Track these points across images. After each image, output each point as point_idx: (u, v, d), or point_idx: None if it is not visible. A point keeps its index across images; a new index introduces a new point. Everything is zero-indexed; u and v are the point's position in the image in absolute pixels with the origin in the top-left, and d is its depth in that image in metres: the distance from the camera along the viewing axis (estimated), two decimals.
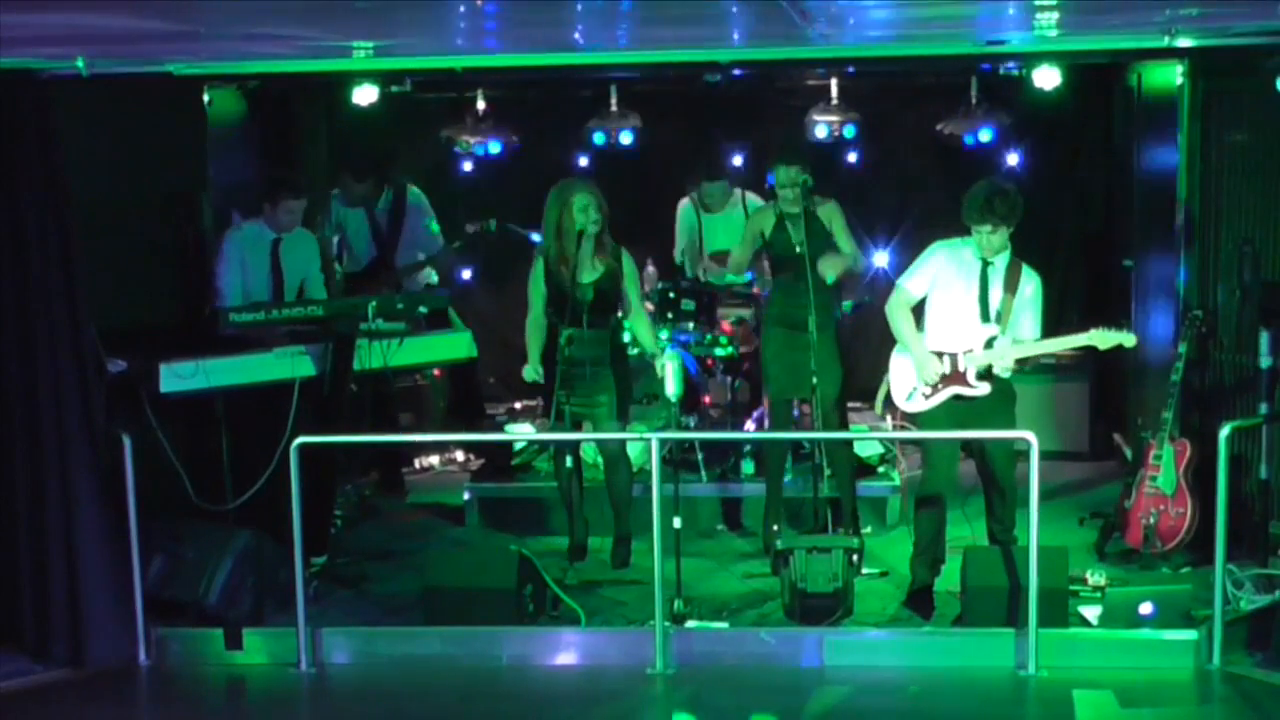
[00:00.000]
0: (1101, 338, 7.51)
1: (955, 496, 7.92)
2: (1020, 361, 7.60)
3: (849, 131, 10.54)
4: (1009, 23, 7.39)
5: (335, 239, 9.69)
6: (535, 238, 9.22)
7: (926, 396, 7.68)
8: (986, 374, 7.58)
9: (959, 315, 7.61)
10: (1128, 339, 7.52)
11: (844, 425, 8.72)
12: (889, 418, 8.95)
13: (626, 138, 10.69)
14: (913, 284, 7.71)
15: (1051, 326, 7.72)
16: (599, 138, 10.67)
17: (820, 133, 10.54)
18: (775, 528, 8.62)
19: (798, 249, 8.26)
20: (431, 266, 10.01)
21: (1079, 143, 11.11)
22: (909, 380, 7.74)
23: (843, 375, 8.50)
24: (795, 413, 8.96)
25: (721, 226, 10.00)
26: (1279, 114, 7.80)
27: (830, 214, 8.44)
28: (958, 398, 7.62)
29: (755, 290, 9.61)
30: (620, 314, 8.46)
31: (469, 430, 10.21)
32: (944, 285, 7.64)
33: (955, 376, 7.61)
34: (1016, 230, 7.56)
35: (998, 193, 7.44)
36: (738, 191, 10.03)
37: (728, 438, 9.60)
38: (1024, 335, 7.61)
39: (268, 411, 7.92)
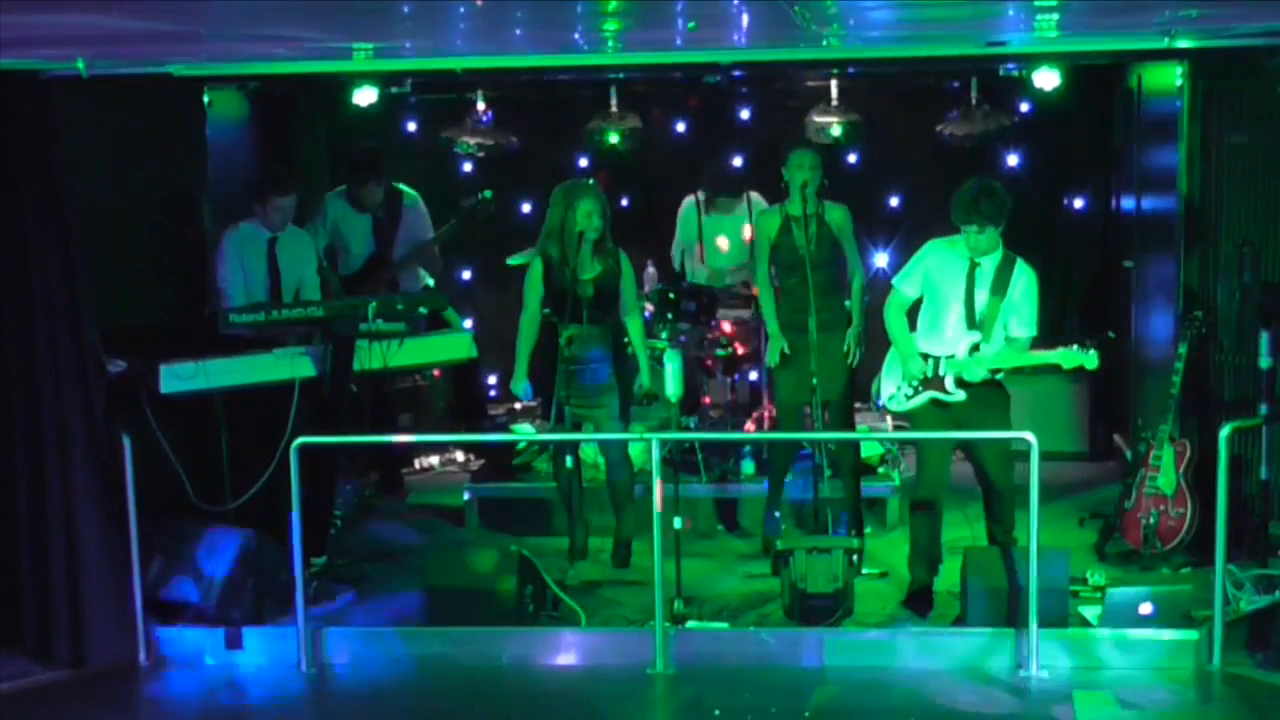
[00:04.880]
0: (1065, 357, 7.44)
1: (950, 497, 7.92)
2: (994, 370, 7.57)
3: (849, 132, 10.53)
4: (1009, 23, 7.39)
5: (325, 244, 9.63)
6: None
7: (908, 397, 7.68)
8: (961, 383, 7.58)
9: (945, 320, 7.61)
10: (1089, 360, 7.40)
11: (850, 428, 8.72)
12: (887, 418, 8.95)
13: (627, 138, 10.67)
14: (907, 285, 7.73)
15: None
16: (599, 138, 10.66)
17: (820, 133, 10.53)
18: (782, 527, 8.63)
19: (801, 251, 8.25)
20: (421, 258, 9.94)
21: (1079, 143, 11.11)
22: (893, 382, 7.75)
23: (850, 379, 8.49)
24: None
25: (728, 227, 10.01)
26: (1279, 114, 7.80)
27: (841, 222, 8.42)
28: (935, 402, 7.62)
29: (753, 291, 9.61)
30: (619, 311, 8.46)
31: (469, 430, 10.20)
32: (934, 285, 7.64)
33: (934, 381, 7.61)
34: (1012, 229, 7.57)
35: (985, 192, 7.43)
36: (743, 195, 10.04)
37: (727, 438, 9.60)
38: (1017, 334, 7.59)
39: (268, 412, 7.91)
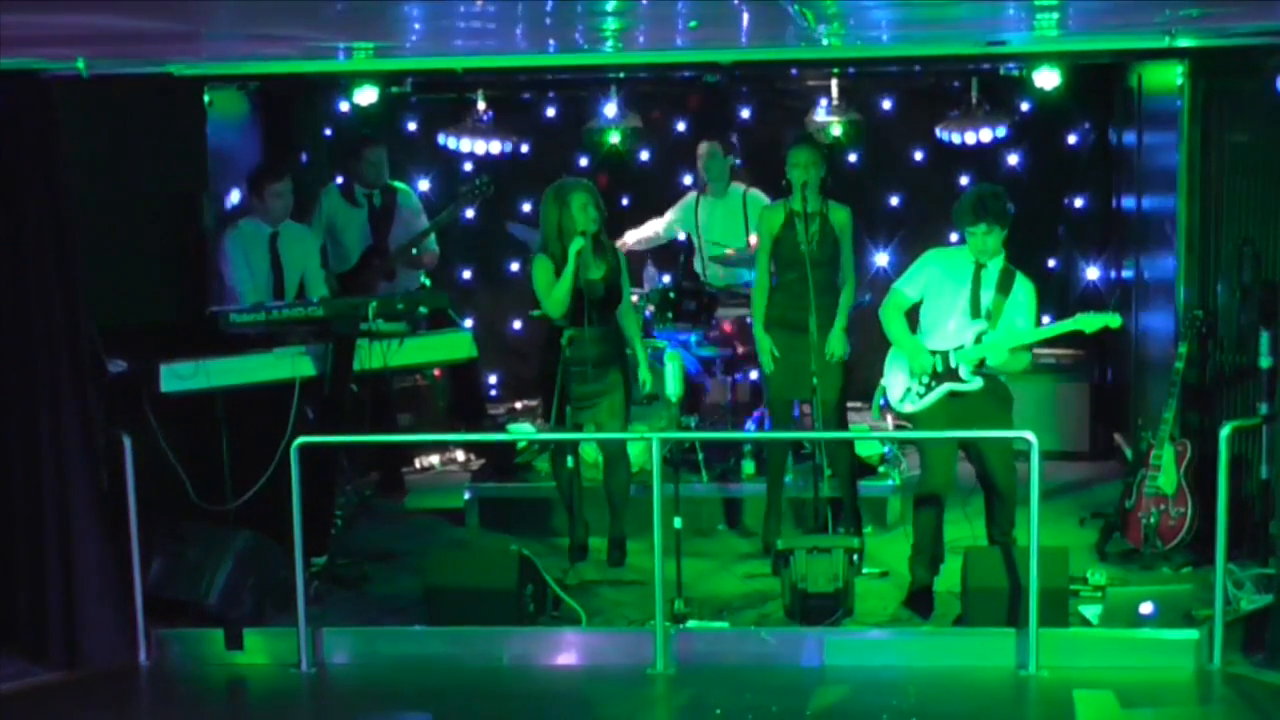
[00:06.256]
0: (1087, 321, 7.51)
1: (954, 496, 7.91)
2: (1014, 351, 7.58)
3: (849, 132, 10.53)
4: (1009, 23, 7.39)
5: (320, 243, 9.61)
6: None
7: (920, 395, 7.68)
8: (978, 370, 7.58)
9: (950, 315, 7.62)
10: (1113, 320, 7.51)
11: (844, 427, 8.72)
12: (887, 418, 8.95)
13: (627, 138, 10.68)
14: (907, 288, 7.74)
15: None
16: (599, 138, 10.66)
17: (820, 133, 10.53)
18: (777, 525, 8.63)
19: (802, 248, 8.25)
20: (417, 250, 9.92)
21: (1079, 143, 11.12)
22: (902, 382, 7.75)
23: (844, 378, 8.50)
24: (795, 413, 8.96)
25: (720, 215, 10.04)
26: (1279, 114, 7.80)
27: (844, 223, 8.42)
28: (952, 394, 7.62)
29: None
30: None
31: (469, 430, 10.20)
32: (937, 289, 7.66)
33: (947, 373, 7.61)
34: (1013, 233, 7.58)
35: (990, 193, 7.51)
36: (740, 186, 10.05)
37: (728, 437, 9.60)
38: (1020, 329, 7.61)
39: (268, 411, 7.91)
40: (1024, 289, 7.61)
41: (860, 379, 8.76)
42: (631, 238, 10.23)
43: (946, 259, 7.73)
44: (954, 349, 7.60)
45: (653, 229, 10.35)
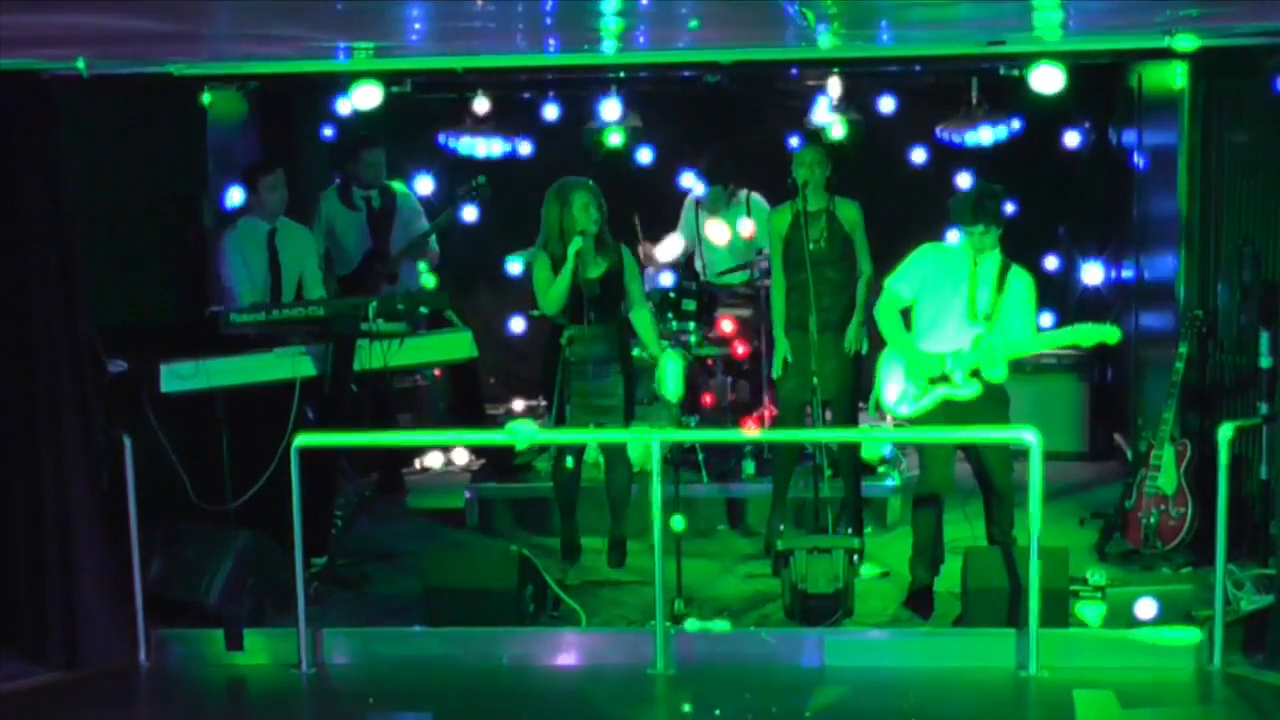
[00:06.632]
0: (1084, 334, 7.51)
1: (954, 497, 7.92)
2: (1012, 362, 7.59)
3: (849, 132, 10.52)
4: (1009, 23, 7.39)
5: (323, 248, 9.61)
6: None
7: (916, 399, 7.67)
8: (974, 375, 7.58)
9: (947, 316, 7.61)
10: (1111, 334, 7.52)
11: (854, 426, 8.71)
12: (887, 418, 8.95)
13: (627, 137, 10.68)
14: (901, 286, 7.72)
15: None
16: (599, 137, 10.66)
17: (820, 133, 10.52)
18: (780, 527, 8.61)
19: (808, 247, 8.24)
20: (418, 250, 9.92)
21: (1079, 143, 11.11)
22: (898, 385, 7.74)
23: (856, 376, 8.48)
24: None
25: (723, 218, 10.05)
26: (1279, 114, 7.80)
27: (854, 218, 8.43)
28: (947, 400, 7.62)
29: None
30: (624, 307, 8.44)
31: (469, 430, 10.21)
32: (932, 287, 7.65)
33: (943, 378, 7.61)
34: (1013, 233, 7.58)
35: (988, 193, 7.51)
36: (742, 192, 10.06)
37: (728, 438, 9.59)
38: (1016, 336, 7.60)
39: (268, 411, 7.91)
40: (1022, 283, 7.59)
41: (865, 378, 8.76)
42: (661, 256, 10.23)
43: (941, 256, 7.72)
44: (950, 353, 7.59)
45: (676, 242, 10.36)
